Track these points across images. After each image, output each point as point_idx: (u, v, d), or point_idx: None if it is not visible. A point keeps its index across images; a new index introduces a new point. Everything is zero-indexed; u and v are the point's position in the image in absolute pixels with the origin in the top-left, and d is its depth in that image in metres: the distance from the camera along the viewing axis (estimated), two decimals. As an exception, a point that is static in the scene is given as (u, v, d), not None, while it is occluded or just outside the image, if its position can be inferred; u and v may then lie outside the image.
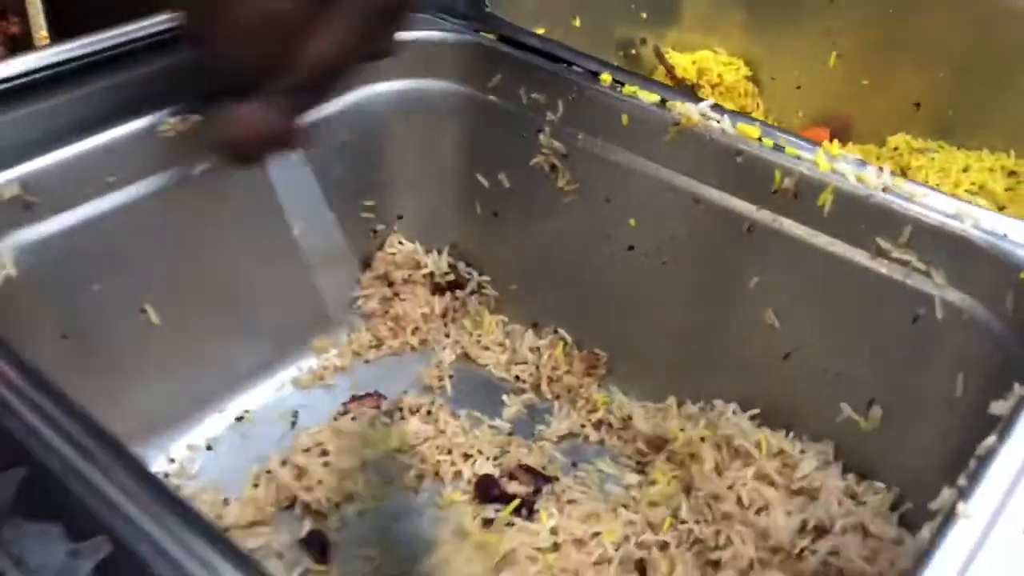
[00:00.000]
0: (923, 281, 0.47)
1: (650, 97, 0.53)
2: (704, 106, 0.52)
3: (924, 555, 0.30)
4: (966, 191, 0.69)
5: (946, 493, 0.33)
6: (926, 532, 0.33)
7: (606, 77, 0.55)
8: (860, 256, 0.49)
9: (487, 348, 0.66)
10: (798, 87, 0.82)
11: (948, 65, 0.72)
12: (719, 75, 0.83)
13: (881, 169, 0.48)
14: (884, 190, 0.47)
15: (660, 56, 0.83)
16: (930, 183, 0.63)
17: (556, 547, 0.51)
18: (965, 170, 0.71)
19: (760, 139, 0.51)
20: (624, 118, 0.54)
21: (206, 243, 0.54)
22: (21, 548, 0.31)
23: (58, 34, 0.85)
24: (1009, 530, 0.31)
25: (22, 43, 0.98)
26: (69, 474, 0.32)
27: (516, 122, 0.59)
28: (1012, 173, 0.70)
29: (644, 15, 0.81)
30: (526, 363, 0.64)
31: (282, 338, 0.62)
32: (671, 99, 0.53)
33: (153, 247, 0.52)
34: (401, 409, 0.59)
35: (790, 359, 0.53)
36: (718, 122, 0.52)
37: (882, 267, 0.48)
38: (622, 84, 0.55)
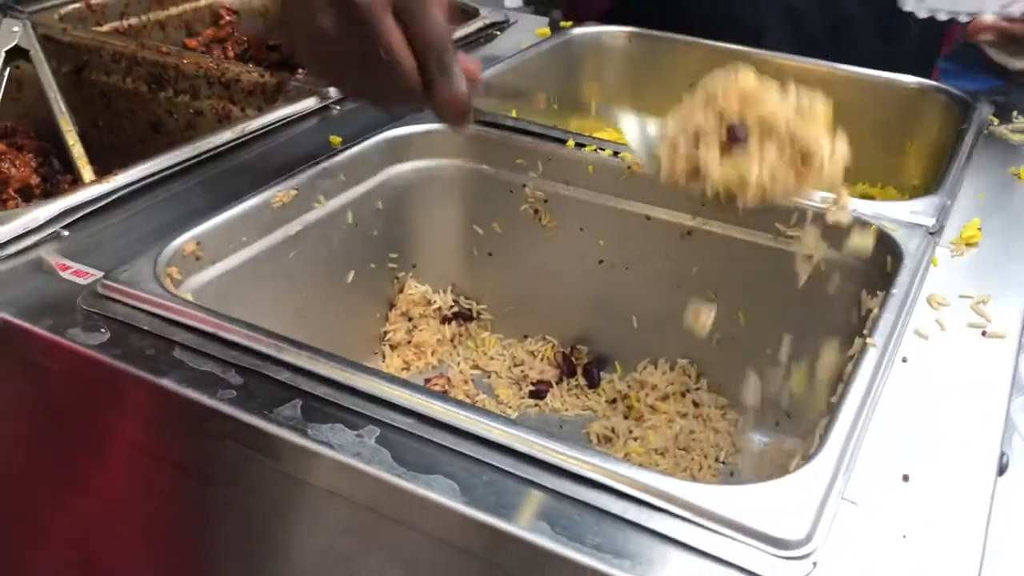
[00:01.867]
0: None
1: (607, 152, 0.77)
2: (647, 152, 0.75)
3: (853, 370, 0.53)
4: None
5: (857, 341, 0.56)
6: (851, 364, 0.55)
7: (570, 143, 0.78)
8: (766, 239, 0.73)
9: (492, 358, 0.85)
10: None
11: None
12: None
13: (773, 179, 0.72)
14: (776, 192, 0.72)
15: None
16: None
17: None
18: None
19: (688, 170, 0.74)
20: (590, 168, 0.77)
21: (303, 285, 0.73)
22: (325, 437, 0.48)
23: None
24: (896, 352, 0.55)
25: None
26: (331, 394, 0.51)
27: (505, 181, 0.81)
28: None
29: (555, 106, 1.05)
30: (523, 364, 0.85)
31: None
32: (622, 151, 0.76)
33: (268, 286, 0.70)
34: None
35: (729, 318, 0.76)
36: (657, 162, 0.75)
37: (781, 243, 0.72)
38: (583, 145, 0.77)
